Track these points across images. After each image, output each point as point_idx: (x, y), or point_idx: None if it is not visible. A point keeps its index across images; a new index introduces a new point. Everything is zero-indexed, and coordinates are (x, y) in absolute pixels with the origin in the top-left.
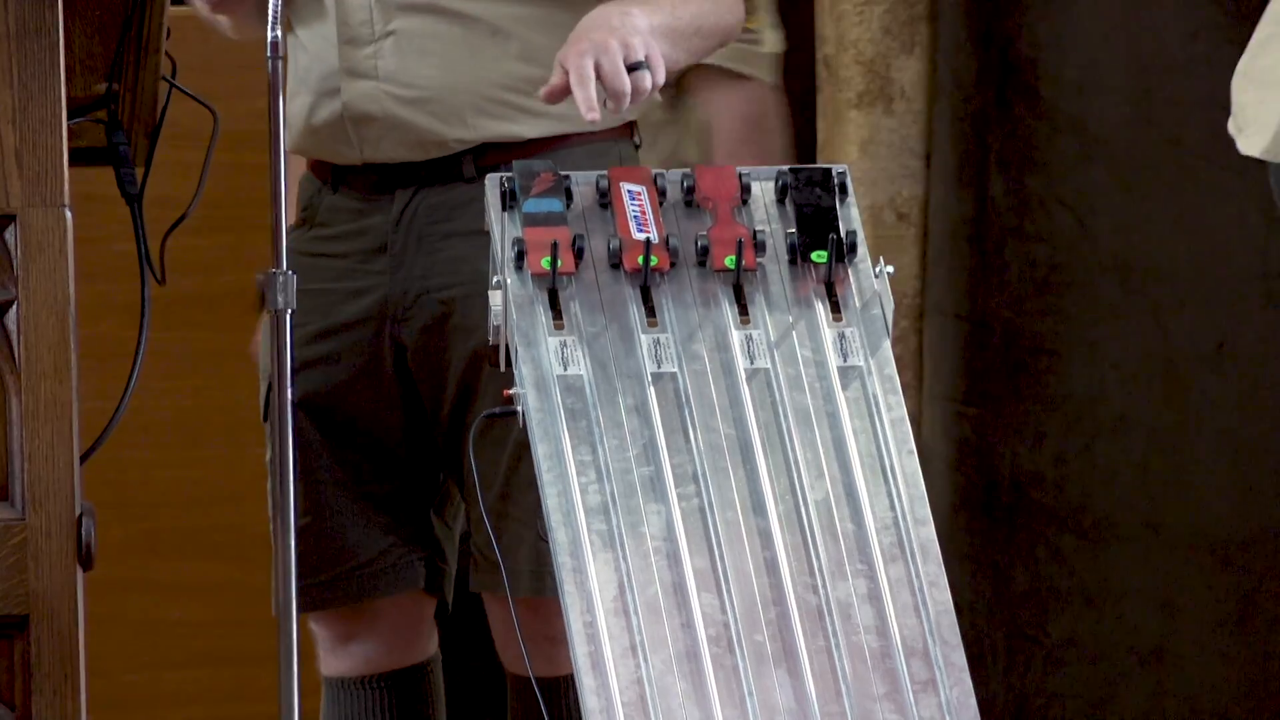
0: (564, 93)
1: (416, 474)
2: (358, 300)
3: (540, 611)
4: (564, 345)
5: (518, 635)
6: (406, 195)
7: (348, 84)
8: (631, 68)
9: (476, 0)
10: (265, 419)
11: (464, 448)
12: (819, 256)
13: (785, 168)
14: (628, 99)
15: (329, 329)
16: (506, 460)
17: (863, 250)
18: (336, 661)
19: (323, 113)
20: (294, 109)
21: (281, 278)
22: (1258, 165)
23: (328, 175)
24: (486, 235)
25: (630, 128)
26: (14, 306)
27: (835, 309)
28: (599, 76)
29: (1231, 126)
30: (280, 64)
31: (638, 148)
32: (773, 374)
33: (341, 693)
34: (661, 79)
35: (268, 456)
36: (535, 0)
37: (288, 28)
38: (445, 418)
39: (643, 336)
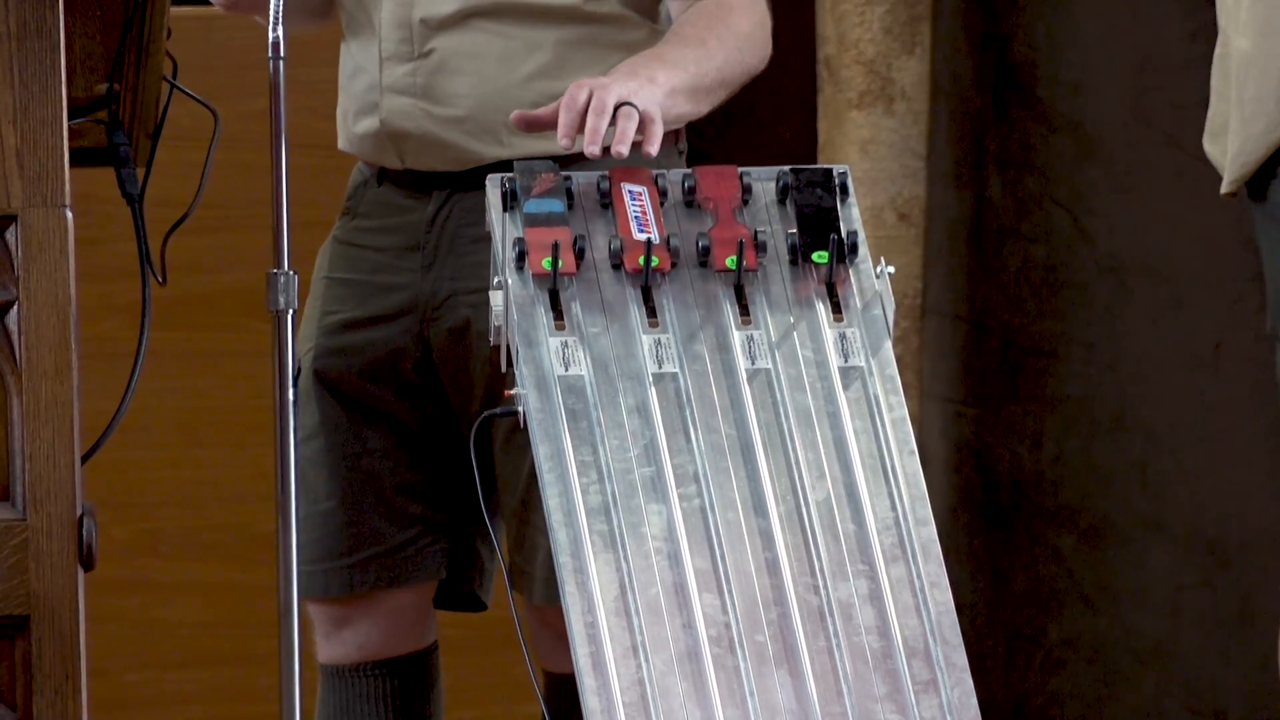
0: (540, 125)
1: (443, 467)
2: (390, 295)
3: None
4: (565, 345)
5: (521, 634)
6: (442, 196)
7: (386, 100)
8: (619, 105)
9: (514, 21)
10: (295, 384)
11: (490, 449)
12: (820, 257)
13: (786, 168)
14: (599, 137)
15: (361, 319)
16: (528, 468)
17: (864, 250)
18: (331, 648)
19: (363, 124)
20: (341, 113)
21: (283, 278)
22: None
23: (376, 167)
24: None
25: (676, 135)
26: (15, 307)
27: (836, 309)
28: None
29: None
30: (281, 64)
31: (682, 154)
32: (774, 374)
33: (337, 680)
34: (654, 135)
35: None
36: (572, 20)
37: (340, 34)
38: (474, 420)
39: (644, 337)
